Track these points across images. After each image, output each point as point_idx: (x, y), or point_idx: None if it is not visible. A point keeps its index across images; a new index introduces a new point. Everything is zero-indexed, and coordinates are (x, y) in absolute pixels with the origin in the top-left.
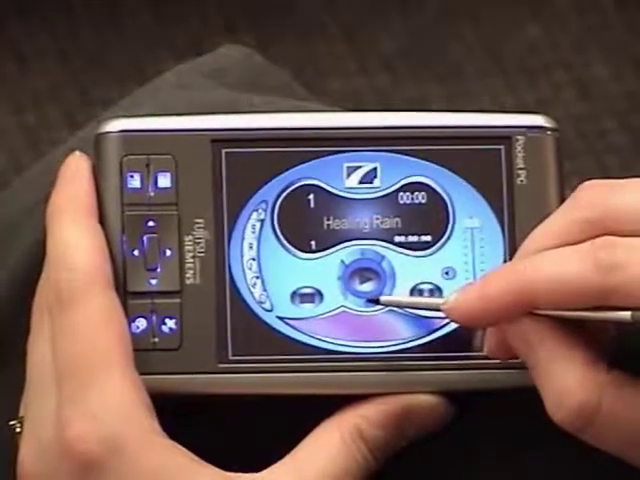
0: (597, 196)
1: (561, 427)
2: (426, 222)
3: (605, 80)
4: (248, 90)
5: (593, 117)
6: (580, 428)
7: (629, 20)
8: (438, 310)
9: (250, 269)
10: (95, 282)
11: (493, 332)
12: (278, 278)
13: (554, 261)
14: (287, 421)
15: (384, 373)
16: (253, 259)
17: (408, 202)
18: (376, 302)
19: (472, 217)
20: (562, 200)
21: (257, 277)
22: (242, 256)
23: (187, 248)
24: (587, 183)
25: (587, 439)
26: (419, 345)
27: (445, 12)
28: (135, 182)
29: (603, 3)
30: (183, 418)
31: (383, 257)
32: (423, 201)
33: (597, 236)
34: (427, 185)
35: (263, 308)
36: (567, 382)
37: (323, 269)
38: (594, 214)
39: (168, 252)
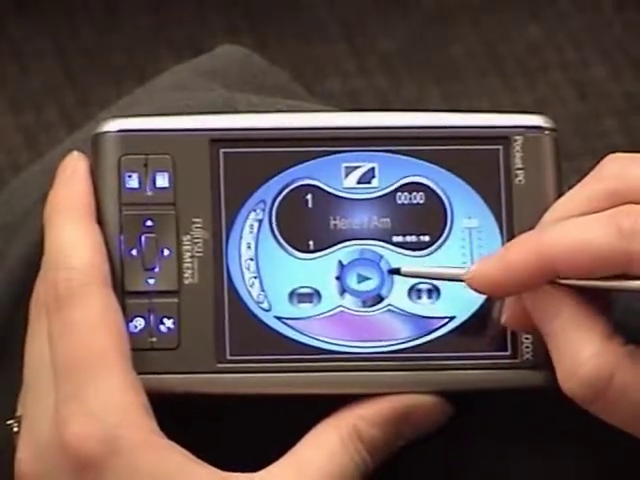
0: (620, 168)
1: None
2: (424, 222)
3: (604, 80)
4: (246, 90)
5: (592, 117)
6: (590, 399)
7: (628, 20)
8: (460, 280)
9: (248, 269)
10: (93, 281)
11: (512, 302)
12: (276, 278)
13: (576, 228)
14: (284, 421)
15: (382, 373)
16: (251, 259)
17: (406, 202)
18: (397, 272)
19: (470, 217)
20: None
21: (255, 277)
22: (240, 256)
23: (185, 248)
24: (610, 156)
25: (595, 411)
26: (417, 345)
27: (444, 12)
28: (133, 182)
29: (602, 3)
30: (181, 418)
31: (381, 257)
32: (421, 201)
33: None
34: (425, 185)
35: (261, 308)
36: (583, 352)
37: (321, 269)
38: (616, 185)
39: (166, 252)
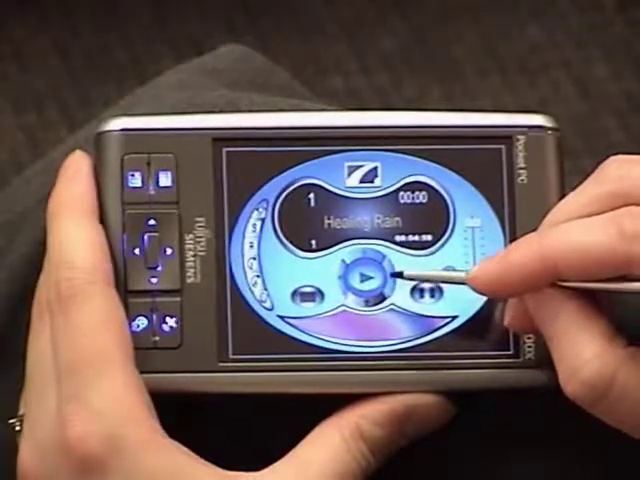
0: (622, 170)
1: (558, 420)
2: (427, 221)
3: (605, 79)
4: (248, 90)
5: (593, 116)
6: (592, 401)
7: (629, 19)
8: (462, 283)
9: (251, 268)
10: (96, 281)
11: (514, 304)
12: (279, 277)
13: (578, 229)
14: (287, 420)
15: (384, 372)
16: (254, 258)
17: (409, 201)
18: (400, 276)
19: (473, 216)
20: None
21: (258, 276)
22: (243, 255)
23: (188, 247)
24: (612, 158)
25: (597, 413)
26: (420, 344)
27: (445, 12)
28: (136, 181)
29: (603, 2)
30: (184, 417)
31: (384, 256)
32: (424, 200)
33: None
34: (428, 184)
35: (264, 307)
36: (584, 354)
37: (324, 268)
38: (618, 187)
39: (169, 251)
